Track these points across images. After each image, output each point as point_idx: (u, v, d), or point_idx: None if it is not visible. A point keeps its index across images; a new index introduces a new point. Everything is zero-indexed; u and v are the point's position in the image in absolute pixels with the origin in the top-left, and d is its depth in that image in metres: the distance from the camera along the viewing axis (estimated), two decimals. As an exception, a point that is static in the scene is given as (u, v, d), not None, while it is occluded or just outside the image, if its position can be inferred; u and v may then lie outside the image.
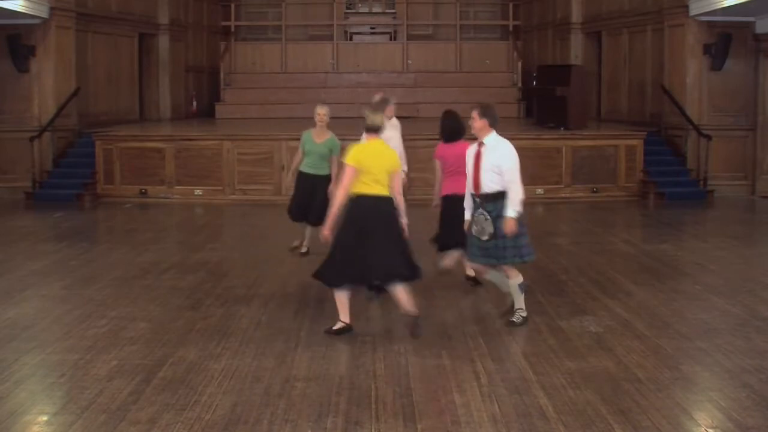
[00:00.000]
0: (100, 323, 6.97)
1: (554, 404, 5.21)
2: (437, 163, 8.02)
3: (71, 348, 6.33)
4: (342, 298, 6.62)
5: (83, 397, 5.33)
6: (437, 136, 8.10)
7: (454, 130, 7.90)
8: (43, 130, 14.29)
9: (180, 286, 8.29)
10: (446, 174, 7.86)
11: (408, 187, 8.66)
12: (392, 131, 8.97)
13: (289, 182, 10.34)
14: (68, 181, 14.28)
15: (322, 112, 9.26)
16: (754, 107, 14.67)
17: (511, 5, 20.77)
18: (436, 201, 8.05)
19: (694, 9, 14.21)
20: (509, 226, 6.62)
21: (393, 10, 21.15)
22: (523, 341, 6.49)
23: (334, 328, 6.62)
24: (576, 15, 18.24)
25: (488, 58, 20.34)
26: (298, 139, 9.56)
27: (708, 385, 5.62)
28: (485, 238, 6.72)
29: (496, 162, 6.68)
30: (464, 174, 7.03)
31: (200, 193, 14.12)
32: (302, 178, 9.37)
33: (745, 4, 12.94)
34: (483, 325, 6.91)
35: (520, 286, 6.89)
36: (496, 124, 6.82)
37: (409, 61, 20.40)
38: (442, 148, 7.95)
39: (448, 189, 7.80)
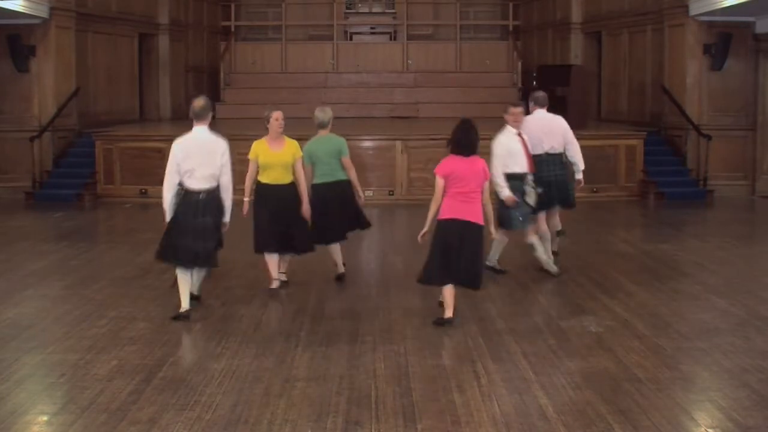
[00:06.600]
0: (100, 323, 6.97)
1: (554, 404, 5.21)
2: (440, 181, 6.73)
3: (71, 348, 6.33)
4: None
5: (83, 397, 5.33)
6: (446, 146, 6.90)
7: (472, 143, 6.74)
8: (43, 130, 14.29)
9: (180, 286, 8.28)
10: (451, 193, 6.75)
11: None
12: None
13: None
14: (68, 181, 14.28)
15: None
16: (754, 107, 14.67)
17: (511, 5, 20.76)
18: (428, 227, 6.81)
19: (694, 9, 14.21)
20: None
21: (393, 10, 21.14)
22: (523, 341, 6.48)
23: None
24: (576, 15, 18.22)
25: (488, 58, 20.33)
26: (298, 139, 9.51)
27: (708, 385, 5.62)
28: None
29: None
30: (473, 195, 6.65)
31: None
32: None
33: (745, 4, 12.93)
34: (483, 325, 6.91)
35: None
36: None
37: (409, 61, 20.39)
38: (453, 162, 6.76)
39: (450, 212, 6.72)
